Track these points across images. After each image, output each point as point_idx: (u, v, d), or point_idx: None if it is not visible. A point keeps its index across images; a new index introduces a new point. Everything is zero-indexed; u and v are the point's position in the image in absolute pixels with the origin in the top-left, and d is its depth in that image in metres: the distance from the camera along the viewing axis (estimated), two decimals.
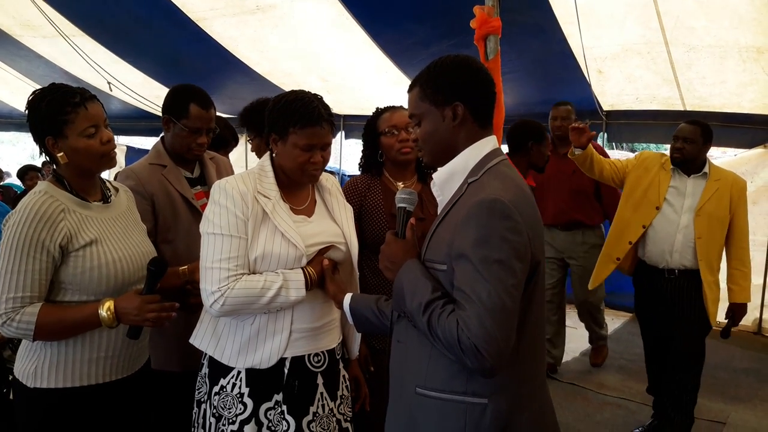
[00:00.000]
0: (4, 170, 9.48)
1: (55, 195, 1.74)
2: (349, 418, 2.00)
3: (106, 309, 1.72)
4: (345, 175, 7.88)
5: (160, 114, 2.36)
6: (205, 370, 1.91)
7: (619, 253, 3.45)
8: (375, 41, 5.61)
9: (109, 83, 6.87)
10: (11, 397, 1.85)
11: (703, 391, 3.28)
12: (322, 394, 1.90)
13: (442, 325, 1.35)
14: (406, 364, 1.54)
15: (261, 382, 1.83)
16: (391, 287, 1.55)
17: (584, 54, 4.77)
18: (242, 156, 7.09)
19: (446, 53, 1.57)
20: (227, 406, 1.82)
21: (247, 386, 1.82)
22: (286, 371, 1.85)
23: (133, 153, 8.91)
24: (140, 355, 1.95)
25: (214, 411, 1.84)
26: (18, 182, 7.24)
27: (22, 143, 18.46)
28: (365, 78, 6.45)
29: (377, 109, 2.55)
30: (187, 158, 2.36)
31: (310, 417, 1.85)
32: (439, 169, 1.58)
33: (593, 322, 4.51)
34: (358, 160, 2.63)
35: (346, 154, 8.36)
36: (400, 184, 2.49)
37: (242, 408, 1.81)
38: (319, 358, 1.92)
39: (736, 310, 3.28)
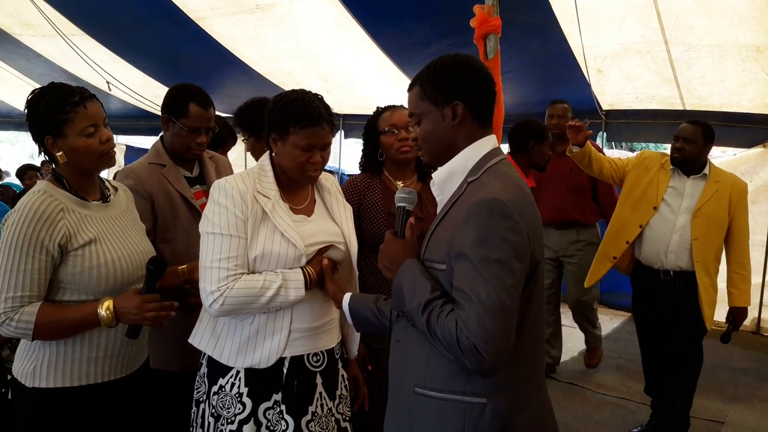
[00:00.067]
0: (3, 169, 9.48)
1: (54, 194, 1.74)
2: (347, 418, 2.00)
3: (105, 308, 1.72)
4: (344, 175, 7.88)
5: (160, 113, 2.35)
6: (204, 369, 1.91)
7: (616, 252, 3.43)
8: (375, 40, 5.62)
9: (108, 83, 6.87)
10: (10, 396, 1.84)
11: (701, 391, 3.28)
12: (321, 393, 1.90)
13: (441, 325, 1.35)
14: (405, 363, 1.54)
15: (260, 381, 1.83)
16: (389, 286, 1.55)
17: (584, 53, 4.77)
18: (241, 155, 7.08)
19: (446, 52, 1.56)
20: (226, 406, 1.82)
21: (246, 386, 1.82)
22: (285, 371, 1.85)
23: (132, 152, 8.91)
24: (139, 355, 1.95)
25: (213, 411, 1.83)
26: (17, 182, 7.23)
27: (21, 142, 18.47)
28: (365, 77, 6.45)
29: (378, 108, 2.55)
30: (186, 158, 2.36)
31: (309, 417, 1.85)
32: (438, 168, 1.58)
33: (586, 322, 4.46)
34: (359, 160, 2.63)
35: (346, 154, 8.36)
36: (400, 184, 2.49)
37: (241, 408, 1.81)
38: (318, 357, 1.92)
39: (737, 315, 3.24)
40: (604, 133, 6.17)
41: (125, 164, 7.32)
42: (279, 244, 1.81)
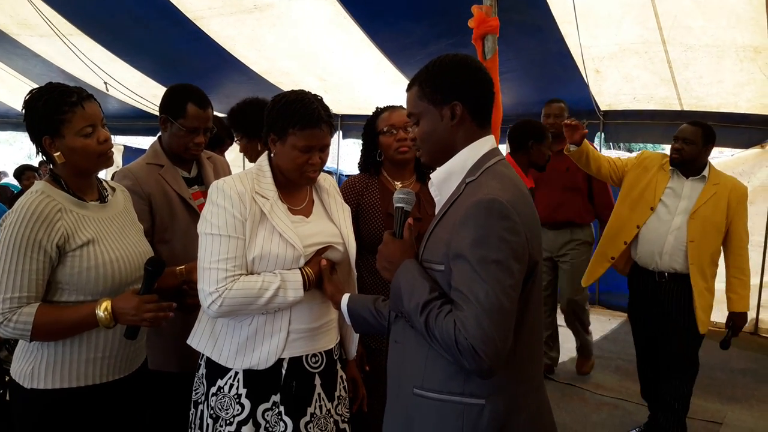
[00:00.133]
0: (1, 170, 9.47)
1: (51, 194, 1.73)
2: (346, 419, 2.00)
3: (103, 309, 1.71)
4: (342, 175, 7.88)
5: (158, 113, 2.35)
6: (202, 370, 1.91)
7: (614, 252, 3.42)
8: (373, 40, 5.61)
9: (105, 83, 6.86)
10: (8, 398, 1.84)
11: (699, 392, 3.28)
12: (319, 394, 1.90)
13: (440, 326, 1.35)
14: (403, 364, 1.54)
15: (258, 382, 1.83)
16: (387, 287, 1.55)
17: (582, 53, 4.78)
18: (239, 156, 7.04)
19: (444, 52, 1.56)
20: (225, 407, 1.81)
21: (244, 387, 1.82)
22: (283, 372, 1.84)
23: (130, 153, 8.90)
24: (137, 356, 1.95)
25: (212, 412, 1.83)
26: (15, 182, 7.22)
27: (19, 143, 18.44)
28: (363, 77, 6.45)
29: (377, 108, 2.55)
30: (184, 158, 2.36)
31: (307, 418, 1.85)
32: (437, 168, 1.58)
33: (579, 323, 4.40)
34: (357, 160, 2.62)
35: (344, 154, 8.36)
36: (398, 184, 2.49)
37: (240, 409, 1.81)
38: (317, 358, 1.92)
39: (736, 320, 3.20)
40: (602, 134, 6.18)
41: (123, 165, 7.33)
42: (277, 245, 1.80)
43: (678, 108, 5.63)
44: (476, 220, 1.36)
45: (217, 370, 1.85)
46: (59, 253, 1.71)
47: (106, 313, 1.71)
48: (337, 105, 7.08)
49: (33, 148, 1.81)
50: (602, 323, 5.96)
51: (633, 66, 5.25)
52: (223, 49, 6.16)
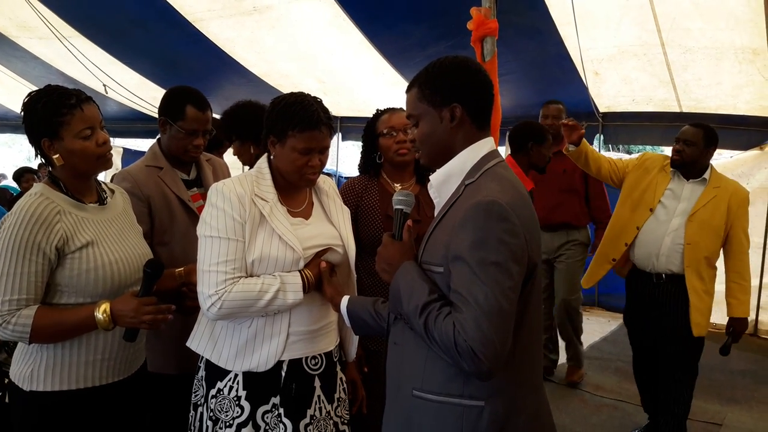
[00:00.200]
0: (0, 172, 9.46)
1: (50, 197, 1.73)
2: (346, 421, 2.00)
3: (102, 311, 1.71)
4: (342, 177, 7.88)
5: (157, 116, 2.35)
6: (201, 373, 1.90)
7: (615, 254, 3.39)
8: (372, 43, 5.62)
9: (105, 85, 6.86)
10: (7, 400, 1.84)
11: (699, 393, 3.27)
12: (319, 396, 1.89)
13: (439, 328, 1.35)
14: (402, 366, 1.54)
15: (258, 385, 1.82)
16: (386, 289, 1.55)
17: (581, 56, 4.78)
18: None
19: (443, 55, 1.57)
20: (224, 409, 1.81)
21: (244, 389, 1.82)
22: (283, 374, 1.84)
23: (129, 155, 8.91)
24: (137, 358, 1.95)
25: (211, 414, 1.83)
26: (14, 184, 7.22)
27: (18, 145, 18.43)
28: (362, 80, 6.45)
29: (377, 110, 2.55)
30: (183, 160, 2.36)
31: (307, 420, 1.85)
32: (436, 170, 1.58)
33: (571, 326, 4.34)
34: (357, 162, 2.63)
35: (343, 156, 8.37)
36: (398, 186, 2.49)
37: (239, 411, 1.80)
38: (317, 360, 1.91)
39: (736, 326, 3.17)
40: (601, 136, 6.18)
41: (122, 167, 7.33)
42: (277, 248, 1.80)
43: (677, 110, 5.64)
44: (475, 222, 1.36)
45: (216, 373, 1.85)
46: (58, 256, 1.71)
47: (104, 315, 1.71)
48: (337, 107, 7.09)
49: (32, 150, 1.81)
50: (602, 325, 5.96)
51: (632, 68, 5.26)
52: (223, 51, 6.17)
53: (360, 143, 2.62)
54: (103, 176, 3.08)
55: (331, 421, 1.92)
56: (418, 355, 1.47)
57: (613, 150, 10.90)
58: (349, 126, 7.51)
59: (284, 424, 1.82)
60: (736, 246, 3.15)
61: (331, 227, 1.98)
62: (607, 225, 4.04)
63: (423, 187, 2.47)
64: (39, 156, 1.80)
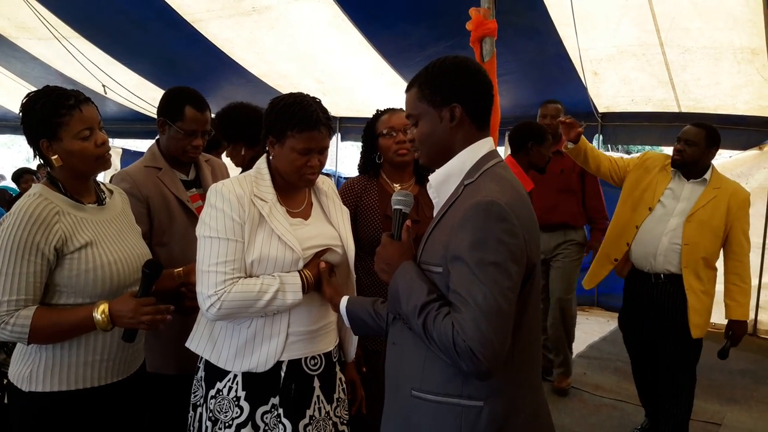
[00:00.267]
0: None
1: (49, 197, 1.73)
2: (345, 421, 2.00)
3: (100, 312, 1.71)
4: (341, 178, 7.88)
5: (156, 116, 2.35)
6: (201, 373, 1.90)
7: (617, 254, 3.36)
8: (371, 43, 5.62)
9: (104, 86, 6.86)
10: (6, 401, 1.84)
11: (698, 393, 3.27)
12: (318, 397, 1.89)
13: (438, 328, 1.35)
14: (401, 366, 1.54)
15: (257, 385, 1.82)
16: (385, 289, 1.55)
17: (580, 56, 4.78)
18: None
19: (442, 55, 1.57)
20: (223, 410, 1.81)
21: (243, 390, 1.81)
22: (282, 374, 1.84)
23: (128, 156, 8.90)
24: (135, 358, 1.94)
25: (211, 414, 1.83)
26: (13, 185, 7.21)
27: (17, 146, 18.44)
28: (361, 80, 6.46)
29: (377, 111, 2.56)
30: (182, 161, 2.35)
31: (306, 420, 1.85)
32: (435, 170, 1.58)
33: (565, 332, 4.27)
34: (356, 162, 2.63)
35: (342, 157, 8.36)
36: (397, 186, 2.49)
37: (239, 411, 1.80)
38: (316, 361, 1.91)
39: (735, 329, 3.13)
40: (600, 136, 6.19)
41: (122, 168, 7.31)
42: (276, 248, 1.80)
43: (676, 110, 5.64)
44: (474, 222, 1.36)
45: (215, 373, 1.85)
46: (57, 256, 1.71)
47: (103, 315, 1.71)
48: (336, 107, 7.09)
49: (31, 151, 1.81)
50: (601, 324, 5.96)
51: (631, 68, 5.26)
52: (222, 51, 6.17)
53: (359, 143, 2.63)
54: (103, 177, 3.08)
55: (331, 422, 1.92)
56: (417, 355, 1.47)
57: (612, 150, 10.90)
58: (348, 126, 7.51)
59: (284, 424, 1.81)
60: (736, 247, 3.11)
61: (331, 228, 1.98)
62: (602, 225, 4.03)
63: (422, 187, 2.47)
64: (38, 157, 1.80)
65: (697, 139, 3.12)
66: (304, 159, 1.81)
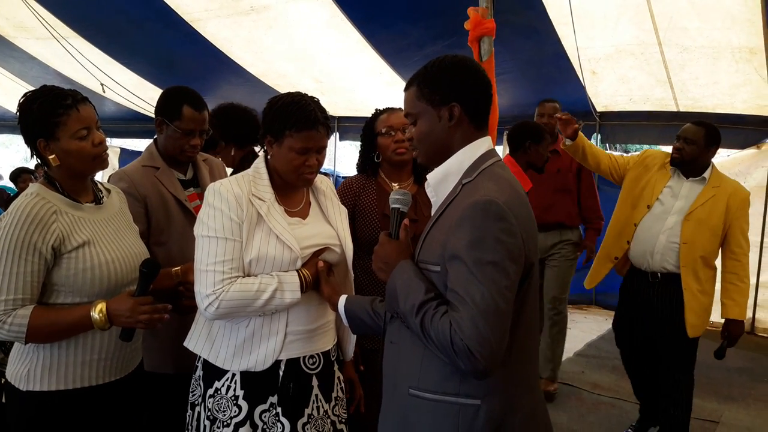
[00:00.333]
0: None
1: (46, 197, 1.73)
2: (343, 420, 2.00)
3: (98, 311, 1.71)
4: (339, 177, 7.88)
5: (154, 116, 2.35)
6: (199, 372, 1.90)
7: (618, 252, 3.35)
8: (369, 42, 5.62)
9: (102, 85, 6.85)
10: (3, 400, 1.84)
11: (696, 391, 3.27)
12: (317, 395, 1.89)
13: (435, 327, 1.35)
14: (399, 365, 1.54)
15: (256, 384, 1.82)
16: (383, 287, 1.55)
17: (578, 55, 4.79)
18: None
19: (440, 54, 1.57)
20: (222, 409, 1.81)
21: (241, 389, 1.82)
22: (281, 373, 1.84)
23: (126, 155, 8.91)
24: (133, 357, 1.94)
25: (209, 413, 1.83)
26: (11, 185, 7.20)
27: (15, 145, 18.40)
28: (359, 79, 6.46)
29: (376, 110, 2.56)
30: (180, 160, 2.35)
31: (305, 419, 1.85)
32: (433, 169, 1.58)
33: (557, 329, 4.20)
34: (354, 161, 2.63)
35: (341, 156, 8.36)
36: (395, 185, 2.50)
37: (237, 410, 1.80)
38: (314, 360, 1.92)
39: (731, 328, 3.12)
40: (599, 135, 6.20)
41: (120, 167, 7.30)
42: (274, 247, 1.80)
43: (674, 109, 5.65)
44: (472, 221, 1.37)
45: (214, 372, 1.85)
46: (54, 255, 1.71)
47: (100, 314, 1.71)
48: (334, 107, 7.09)
49: (29, 150, 1.80)
50: (599, 323, 5.97)
51: (629, 67, 5.27)
52: (220, 51, 6.17)
53: (357, 143, 2.63)
54: (100, 176, 3.08)
55: (329, 420, 1.92)
56: (415, 353, 1.48)
57: (610, 149, 10.92)
58: (346, 126, 7.51)
59: (282, 423, 1.82)
60: (735, 247, 3.09)
61: (329, 227, 1.98)
62: (597, 225, 4.03)
63: (421, 186, 2.47)
64: (35, 156, 1.79)
65: (696, 137, 3.11)
66: (303, 158, 1.81)
